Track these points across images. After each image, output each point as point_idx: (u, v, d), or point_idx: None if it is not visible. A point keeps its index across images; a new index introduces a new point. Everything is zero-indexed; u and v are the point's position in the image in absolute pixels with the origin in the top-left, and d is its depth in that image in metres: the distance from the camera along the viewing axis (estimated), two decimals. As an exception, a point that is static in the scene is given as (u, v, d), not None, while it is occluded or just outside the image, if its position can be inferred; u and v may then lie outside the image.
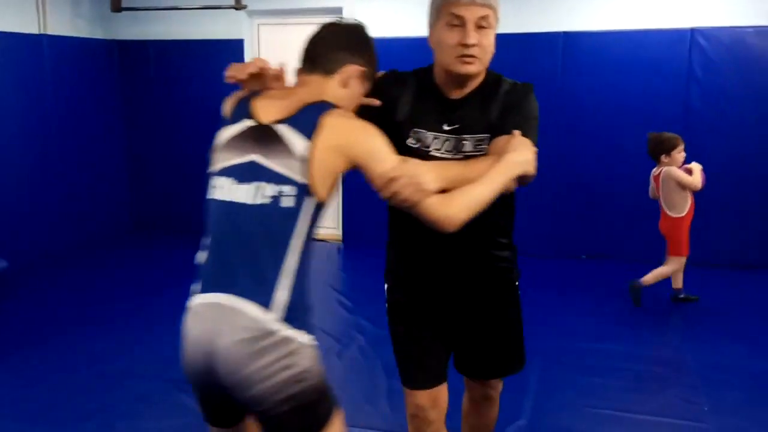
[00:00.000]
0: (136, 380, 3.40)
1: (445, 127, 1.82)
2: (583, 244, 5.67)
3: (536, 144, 1.75)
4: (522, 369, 2.12)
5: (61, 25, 5.85)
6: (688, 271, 4.62)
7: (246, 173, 1.57)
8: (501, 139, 1.74)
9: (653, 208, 4.65)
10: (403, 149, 1.76)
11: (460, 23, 1.70)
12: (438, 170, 1.63)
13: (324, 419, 1.55)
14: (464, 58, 1.73)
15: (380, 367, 3.50)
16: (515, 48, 5.24)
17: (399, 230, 2.01)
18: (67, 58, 5.88)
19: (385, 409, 3.05)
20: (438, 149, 1.82)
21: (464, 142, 1.80)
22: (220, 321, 1.49)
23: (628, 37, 5.35)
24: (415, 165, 1.58)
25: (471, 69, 1.75)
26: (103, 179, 6.39)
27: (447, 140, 1.81)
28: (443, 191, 1.60)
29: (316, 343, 1.56)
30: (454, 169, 1.68)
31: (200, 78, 6.28)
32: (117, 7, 6.15)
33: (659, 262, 4.52)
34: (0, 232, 5.10)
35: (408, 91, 1.86)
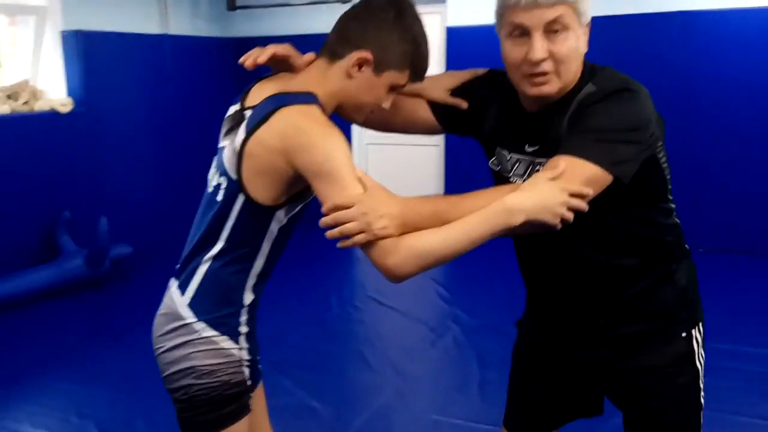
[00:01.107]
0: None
1: (528, 149, 1.45)
2: (701, 237, 5.38)
3: (604, 162, 1.28)
4: None
5: (182, 24, 6.22)
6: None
7: (216, 159, 1.52)
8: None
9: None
10: (490, 172, 1.54)
11: (523, 33, 1.33)
12: (413, 206, 1.28)
13: (218, 423, 1.47)
14: (534, 78, 1.35)
15: (474, 358, 3.50)
16: (626, 30, 5.03)
17: (518, 257, 1.65)
18: (187, 57, 6.26)
19: (477, 400, 3.06)
20: (520, 175, 1.47)
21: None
22: (165, 297, 1.57)
23: (749, 14, 4.98)
24: (382, 196, 1.26)
25: (546, 90, 1.36)
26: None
27: (532, 164, 1.45)
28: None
29: (234, 346, 1.48)
30: (435, 206, 1.30)
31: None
32: (233, 6, 6.46)
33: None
34: (126, 220, 5.50)
35: (496, 100, 1.52)
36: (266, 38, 6.65)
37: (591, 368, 1.59)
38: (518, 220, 1.25)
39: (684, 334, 1.50)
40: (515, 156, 1.49)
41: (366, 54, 1.39)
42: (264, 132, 1.35)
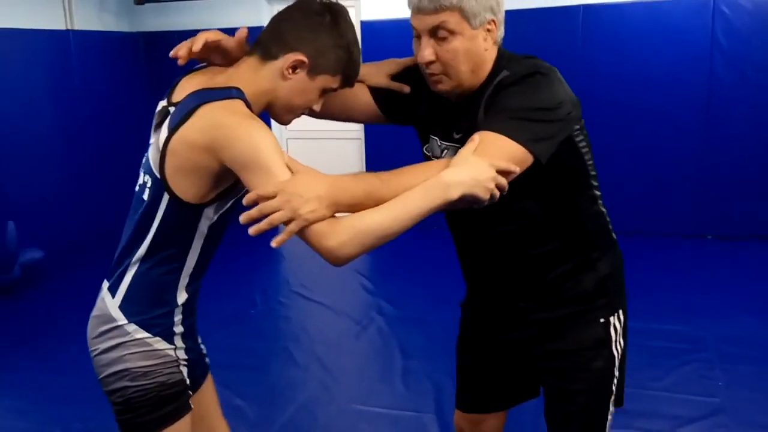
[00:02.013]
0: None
1: (455, 136, 1.50)
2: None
3: (522, 138, 1.32)
4: None
5: (87, 20, 5.99)
6: (706, 242, 4.56)
7: (144, 157, 1.48)
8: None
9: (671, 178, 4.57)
10: (424, 158, 1.58)
11: (418, 35, 1.42)
12: (343, 185, 1.25)
13: (157, 424, 1.46)
14: (430, 77, 1.44)
15: (396, 348, 3.56)
16: (532, 23, 5.19)
17: (453, 242, 1.70)
18: (94, 53, 6.03)
19: (400, 389, 3.11)
20: None
21: None
22: (98, 298, 1.55)
23: (650, 7, 5.24)
24: (306, 179, 1.23)
25: (441, 88, 1.44)
26: (133, 170, 6.51)
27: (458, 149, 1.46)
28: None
29: (168, 347, 1.47)
30: (367, 183, 1.28)
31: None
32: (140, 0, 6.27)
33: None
34: (36, 223, 5.28)
35: (429, 89, 1.53)
36: (176, 32, 6.54)
37: (517, 349, 1.67)
38: (455, 194, 1.25)
39: (602, 320, 1.55)
40: (444, 143, 1.53)
41: (301, 57, 1.39)
42: (187, 129, 1.33)
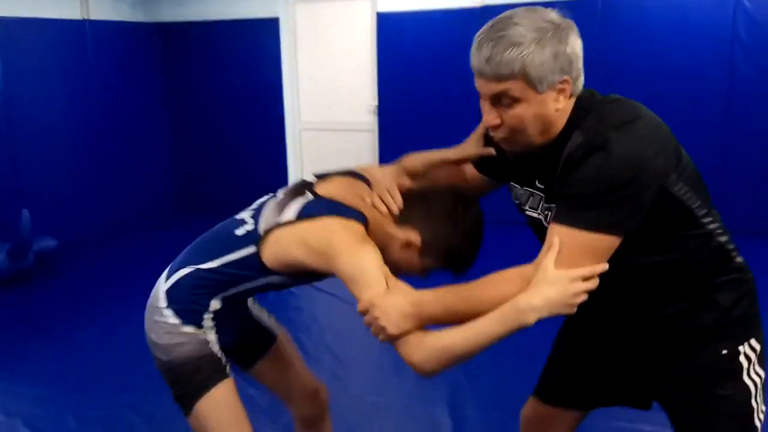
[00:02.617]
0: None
1: (538, 184, 1.47)
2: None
3: (598, 227, 1.29)
4: None
5: (103, 9, 6.00)
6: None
7: (261, 202, 1.70)
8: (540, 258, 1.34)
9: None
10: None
11: (482, 97, 1.37)
12: (426, 302, 1.37)
13: (197, 391, 1.62)
14: (497, 139, 1.41)
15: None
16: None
17: None
18: (109, 43, 6.04)
19: (413, 381, 3.09)
20: (534, 208, 1.50)
21: (548, 211, 1.46)
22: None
23: (670, 0, 5.18)
24: (393, 299, 1.37)
25: (511, 149, 1.44)
26: (148, 160, 6.57)
27: (542, 199, 1.47)
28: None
29: (197, 331, 1.62)
30: (448, 301, 1.38)
31: (238, 58, 6.39)
32: (157, -10, 6.29)
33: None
34: (50, 212, 5.31)
35: None
36: (192, 23, 6.55)
37: (634, 367, 1.60)
38: (531, 320, 1.30)
39: (725, 352, 1.44)
40: (528, 190, 1.51)
41: (416, 239, 1.55)
42: (306, 228, 1.52)
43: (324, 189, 1.62)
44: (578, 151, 1.31)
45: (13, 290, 4.62)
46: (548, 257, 1.31)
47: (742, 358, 1.43)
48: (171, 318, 1.62)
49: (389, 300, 1.37)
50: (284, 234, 1.54)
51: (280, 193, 1.66)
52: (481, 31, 1.33)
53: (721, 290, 1.44)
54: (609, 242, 1.31)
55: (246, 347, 1.90)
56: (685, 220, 1.39)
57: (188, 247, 1.72)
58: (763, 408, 1.46)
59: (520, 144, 1.39)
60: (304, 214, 1.54)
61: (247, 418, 1.67)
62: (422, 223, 1.54)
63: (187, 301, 1.62)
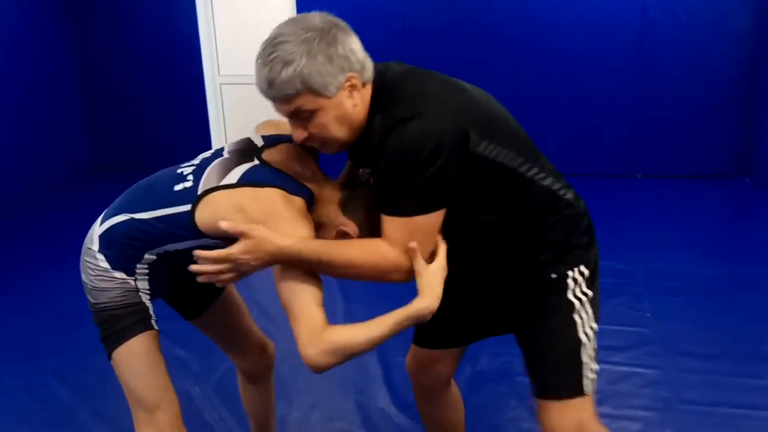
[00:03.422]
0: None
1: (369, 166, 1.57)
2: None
3: (421, 209, 1.38)
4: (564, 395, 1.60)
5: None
6: (636, 182, 4.68)
7: (206, 160, 1.63)
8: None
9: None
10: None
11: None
12: (301, 247, 1.39)
13: (116, 338, 1.60)
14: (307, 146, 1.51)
15: (338, 291, 3.57)
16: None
17: None
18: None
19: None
20: None
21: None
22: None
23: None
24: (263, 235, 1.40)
25: (328, 152, 1.51)
26: (57, 117, 6.25)
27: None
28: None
29: (128, 278, 1.58)
30: (323, 253, 1.41)
31: (152, 7, 6.10)
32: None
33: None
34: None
35: None
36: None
37: (490, 302, 1.72)
38: (428, 317, 1.43)
39: (554, 276, 1.56)
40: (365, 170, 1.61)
41: (353, 231, 1.54)
42: (246, 194, 1.48)
43: (271, 155, 1.58)
44: (376, 140, 1.39)
45: None
46: (419, 263, 1.41)
47: (569, 281, 1.57)
48: (102, 262, 1.58)
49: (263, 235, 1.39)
50: (222, 197, 1.50)
51: (225, 152, 1.60)
52: (257, 54, 1.37)
53: (554, 228, 1.56)
54: (435, 218, 1.42)
55: (190, 298, 1.86)
56: (503, 174, 1.48)
57: (126, 191, 1.67)
58: (593, 325, 1.60)
59: (335, 146, 1.46)
60: (247, 179, 1.51)
61: (165, 372, 1.63)
62: (364, 222, 1.53)
63: (119, 249, 1.58)
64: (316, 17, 1.37)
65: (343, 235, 1.54)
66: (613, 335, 2.99)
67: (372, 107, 1.43)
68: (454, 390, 2.01)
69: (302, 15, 1.38)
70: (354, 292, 3.52)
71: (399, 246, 1.40)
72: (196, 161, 1.62)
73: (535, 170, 1.53)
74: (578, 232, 1.59)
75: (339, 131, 1.42)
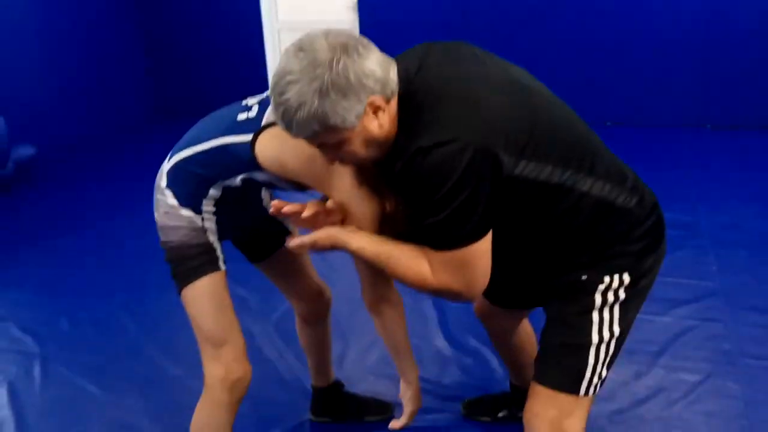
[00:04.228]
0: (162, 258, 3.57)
1: None
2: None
3: (464, 240, 1.33)
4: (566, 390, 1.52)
5: None
6: (706, 133, 4.52)
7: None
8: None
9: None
10: None
11: None
12: (369, 241, 1.44)
13: (185, 276, 1.64)
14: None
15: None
16: None
17: None
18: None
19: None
20: None
21: None
22: None
23: None
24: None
25: (365, 166, 1.45)
26: (120, 65, 6.36)
27: None
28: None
29: (195, 216, 1.61)
30: (381, 253, 1.43)
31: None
32: None
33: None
34: (28, 120, 5.19)
35: None
36: None
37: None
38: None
39: (584, 277, 1.47)
40: None
41: (390, 207, 1.51)
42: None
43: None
44: (398, 166, 1.31)
45: (-6, 199, 4.59)
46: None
47: (601, 285, 1.46)
48: (170, 198, 1.61)
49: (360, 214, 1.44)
50: (286, 134, 1.48)
51: None
52: (270, 87, 1.30)
53: (599, 238, 1.45)
54: (483, 244, 1.34)
55: (256, 242, 1.90)
56: (546, 192, 1.37)
57: (195, 125, 1.68)
58: (616, 328, 1.49)
59: (370, 162, 1.40)
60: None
61: (231, 310, 1.68)
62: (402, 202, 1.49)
63: (185, 184, 1.60)
64: (323, 43, 1.25)
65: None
66: (676, 288, 2.93)
67: (399, 121, 1.34)
68: (524, 332, 2.02)
69: (309, 40, 1.28)
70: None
71: (438, 275, 1.37)
72: (263, 95, 1.60)
73: (584, 179, 1.40)
74: (630, 239, 1.46)
75: (369, 153, 1.34)
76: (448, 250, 1.34)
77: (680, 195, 3.92)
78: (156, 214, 1.66)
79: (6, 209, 4.51)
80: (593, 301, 1.47)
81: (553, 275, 1.53)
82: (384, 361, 2.56)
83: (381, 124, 1.31)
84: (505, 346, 2.07)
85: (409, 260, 1.40)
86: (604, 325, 1.48)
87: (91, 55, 5.97)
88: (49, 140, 5.35)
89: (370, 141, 1.32)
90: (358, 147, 1.31)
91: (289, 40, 6.27)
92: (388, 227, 1.50)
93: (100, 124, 6.08)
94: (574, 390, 1.49)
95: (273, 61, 6.39)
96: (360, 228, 1.45)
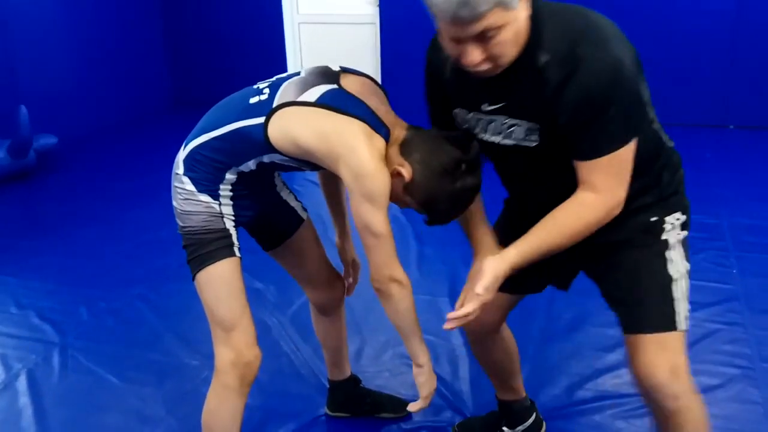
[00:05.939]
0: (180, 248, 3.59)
1: (486, 107, 1.49)
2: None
3: (624, 139, 1.38)
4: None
5: None
6: (728, 133, 4.47)
7: (282, 77, 1.67)
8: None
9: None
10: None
11: (457, 41, 1.33)
12: (523, 253, 1.48)
13: (201, 261, 1.65)
14: (474, 70, 1.37)
15: (412, 235, 3.58)
16: None
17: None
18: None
19: (416, 274, 3.15)
20: (486, 134, 1.52)
21: (513, 127, 1.46)
22: None
23: None
24: (496, 264, 1.49)
25: (487, 74, 1.38)
26: (142, 55, 6.41)
27: (492, 122, 1.50)
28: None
29: (212, 201, 1.63)
30: (543, 243, 1.48)
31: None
32: None
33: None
34: (49, 109, 5.24)
35: (446, 66, 1.52)
36: None
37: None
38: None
39: (654, 219, 1.57)
40: (475, 115, 1.52)
41: (407, 173, 1.53)
42: (328, 117, 1.51)
43: (349, 83, 1.58)
44: (552, 72, 1.35)
45: (15, 187, 4.64)
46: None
47: (666, 225, 1.57)
48: (188, 185, 1.63)
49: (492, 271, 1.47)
50: (298, 113, 1.52)
51: (304, 72, 1.62)
52: None
53: (662, 173, 1.57)
54: (635, 145, 1.41)
55: (270, 228, 1.92)
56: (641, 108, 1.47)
57: (207, 112, 1.70)
58: (685, 264, 1.61)
59: (500, 67, 1.37)
60: (326, 101, 1.52)
61: (243, 296, 1.69)
62: (420, 164, 1.52)
63: (201, 170, 1.62)
64: None
65: (396, 175, 1.52)
66: (696, 291, 2.82)
67: (531, 32, 1.35)
68: (505, 335, 1.97)
69: None
70: (427, 237, 3.53)
71: (605, 187, 1.41)
72: (274, 79, 1.63)
73: (652, 112, 1.52)
74: (677, 180, 1.60)
75: (513, 49, 1.34)
76: (617, 150, 1.38)
77: (701, 196, 3.84)
78: (174, 201, 1.68)
79: (28, 198, 4.56)
80: (666, 242, 1.56)
81: (625, 217, 1.52)
82: (400, 358, 2.56)
83: (528, 14, 1.34)
84: (488, 352, 1.98)
85: (564, 218, 1.45)
86: (679, 261, 1.58)
87: (113, 46, 6.01)
88: (70, 130, 5.40)
89: (518, 34, 1.33)
90: (510, 38, 1.31)
91: (309, 33, 6.34)
92: (400, 200, 1.58)
93: (121, 115, 6.12)
94: (676, 327, 1.56)
95: (292, 54, 6.40)
96: (374, 203, 1.49)
